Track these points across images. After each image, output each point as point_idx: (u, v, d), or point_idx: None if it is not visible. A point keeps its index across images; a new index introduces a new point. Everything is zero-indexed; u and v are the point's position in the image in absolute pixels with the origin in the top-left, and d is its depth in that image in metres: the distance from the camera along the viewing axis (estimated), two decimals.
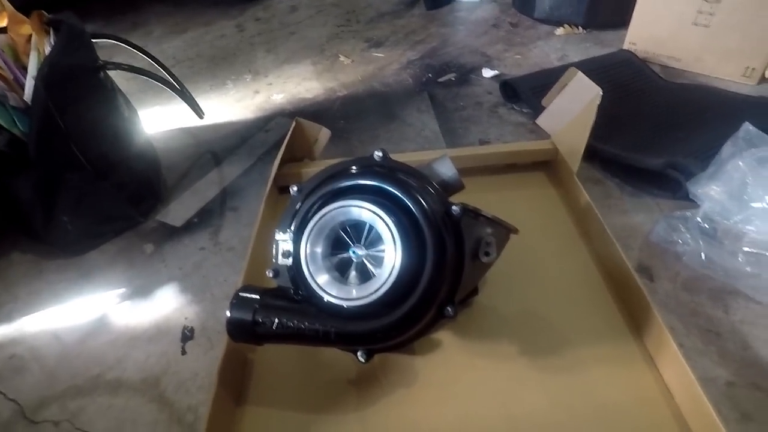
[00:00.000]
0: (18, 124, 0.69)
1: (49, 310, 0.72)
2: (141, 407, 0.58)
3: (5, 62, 0.71)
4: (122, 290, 0.73)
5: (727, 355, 0.55)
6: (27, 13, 0.74)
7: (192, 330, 0.66)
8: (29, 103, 0.68)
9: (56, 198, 0.75)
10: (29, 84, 0.68)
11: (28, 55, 0.72)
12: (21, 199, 0.74)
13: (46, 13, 0.74)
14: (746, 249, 0.57)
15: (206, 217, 0.84)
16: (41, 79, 0.66)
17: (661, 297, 0.61)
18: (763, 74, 0.96)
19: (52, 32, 0.73)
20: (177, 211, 0.86)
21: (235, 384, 0.56)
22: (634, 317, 0.57)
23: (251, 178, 0.92)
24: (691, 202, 0.69)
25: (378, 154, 0.48)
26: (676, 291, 0.62)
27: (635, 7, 1.07)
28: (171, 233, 0.82)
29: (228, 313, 0.46)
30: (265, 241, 0.72)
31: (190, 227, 0.83)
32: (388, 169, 0.48)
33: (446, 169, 0.50)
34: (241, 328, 0.45)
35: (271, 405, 0.55)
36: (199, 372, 0.61)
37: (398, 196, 0.45)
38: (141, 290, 0.73)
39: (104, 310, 0.71)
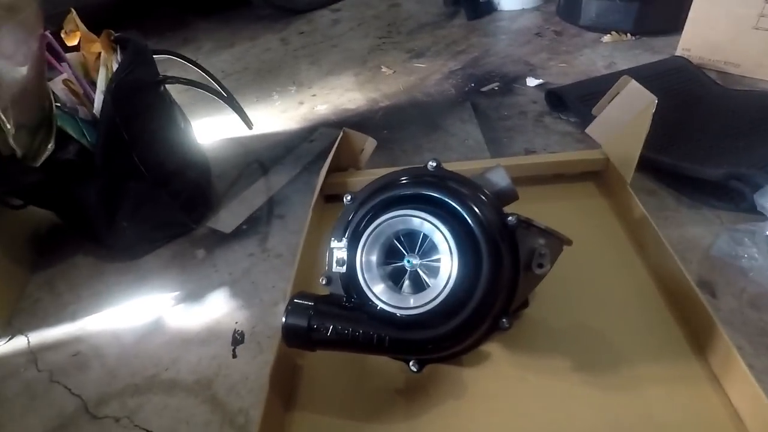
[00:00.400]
0: (86, 135, 0.74)
1: (108, 311, 0.76)
2: (194, 408, 0.60)
3: (77, 78, 0.76)
4: (176, 293, 0.76)
5: None
6: (95, 31, 0.79)
7: (242, 334, 0.68)
8: (97, 115, 0.73)
9: (117, 205, 0.79)
10: (98, 98, 0.73)
11: (97, 71, 0.77)
12: (86, 205, 0.78)
13: (113, 32, 0.79)
14: None
15: (254, 225, 0.87)
16: (109, 93, 0.71)
17: (725, 314, 0.58)
18: None
19: (119, 49, 0.77)
20: (227, 219, 0.89)
21: (285, 389, 0.57)
22: (696, 334, 0.54)
23: (297, 187, 0.94)
24: (755, 215, 0.66)
25: (432, 164, 0.49)
26: (742, 308, 0.58)
27: (689, 11, 1.03)
28: (221, 239, 0.85)
29: (284, 319, 0.47)
30: (312, 249, 0.74)
31: (239, 234, 0.86)
32: (442, 179, 0.48)
33: (500, 179, 0.50)
34: (296, 334, 0.46)
35: (320, 411, 0.55)
36: (249, 375, 0.62)
37: (453, 206, 0.45)
38: (193, 294, 0.76)
39: (159, 312, 0.74)
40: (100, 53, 0.77)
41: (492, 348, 0.58)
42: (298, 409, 0.55)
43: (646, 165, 0.76)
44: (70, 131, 0.72)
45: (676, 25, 1.09)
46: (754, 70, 0.99)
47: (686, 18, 1.04)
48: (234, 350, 0.66)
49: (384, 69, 1.34)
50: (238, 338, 0.67)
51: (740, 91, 0.95)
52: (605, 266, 0.66)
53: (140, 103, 0.77)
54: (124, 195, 0.79)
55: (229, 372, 0.63)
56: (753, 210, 0.65)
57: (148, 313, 0.74)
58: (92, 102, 0.75)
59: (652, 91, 0.69)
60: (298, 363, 0.60)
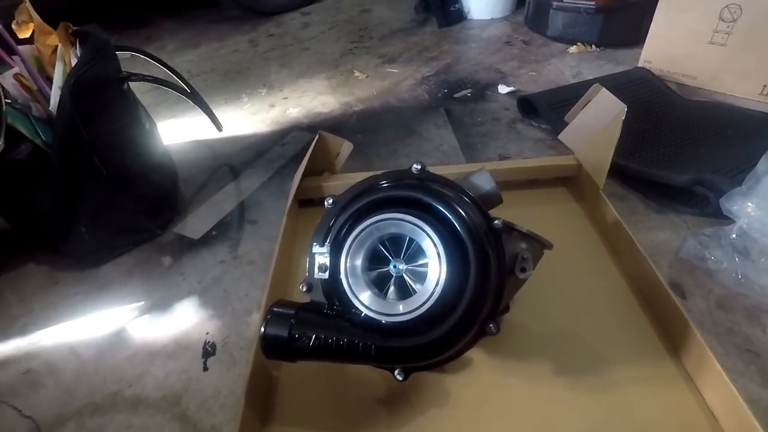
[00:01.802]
0: (41, 134, 0.69)
1: (64, 324, 0.70)
2: (162, 426, 0.56)
3: (30, 72, 0.71)
4: (140, 304, 0.72)
5: None
6: (52, 24, 0.74)
7: (213, 345, 0.64)
8: (53, 113, 0.68)
9: (75, 209, 0.74)
10: (55, 94, 0.68)
11: (53, 66, 0.72)
12: (40, 210, 0.73)
13: (72, 25, 0.74)
14: None
15: (225, 230, 0.83)
16: (68, 89, 0.66)
17: (696, 315, 0.60)
18: None
19: (78, 44, 0.73)
20: (195, 224, 0.85)
21: (261, 402, 0.54)
22: (671, 336, 0.56)
23: (269, 191, 0.91)
24: (719, 219, 0.69)
25: (416, 166, 0.48)
26: (710, 309, 0.60)
27: (650, 26, 1.08)
28: (189, 246, 0.81)
29: (263, 329, 0.44)
30: (287, 255, 0.71)
31: (208, 240, 0.82)
32: (427, 182, 0.47)
33: (485, 183, 0.49)
34: (276, 345, 0.44)
35: (299, 424, 0.53)
36: (221, 389, 0.59)
37: (439, 209, 0.44)
38: (159, 304, 0.71)
39: (121, 324, 0.69)
40: (56, 47, 0.72)
41: (474, 354, 0.57)
42: (275, 423, 0.53)
43: (615, 171, 0.78)
44: (22, 130, 0.66)
45: (637, 38, 1.14)
46: (709, 82, 1.05)
47: (647, 32, 1.09)
48: (205, 363, 0.62)
49: (357, 73, 1.33)
50: (209, 350, 0.64)
51: (698, 102, 1.00)
52: (581, 270, 0.67)
53: (101, 101, 0.72)
54: (83, 199, 0.73)
55: (199, 386, 0.59)
56: (717, 214, 0.68)
57: (109, 325, 0.69)
58: (47, 99, 0.70)
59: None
60: (275, 374, 0.57)
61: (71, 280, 0.77)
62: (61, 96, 0.66)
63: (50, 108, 0.68)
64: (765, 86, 0.97)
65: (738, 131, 0.87)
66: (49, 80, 0.71)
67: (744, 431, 0.45)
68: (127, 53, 0.90)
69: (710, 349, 0.49)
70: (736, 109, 0.96)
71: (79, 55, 0.71)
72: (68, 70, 0.69)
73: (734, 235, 0.61)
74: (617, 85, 1.01)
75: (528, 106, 1.02)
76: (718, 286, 0.63)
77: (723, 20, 0.97)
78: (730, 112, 0.95)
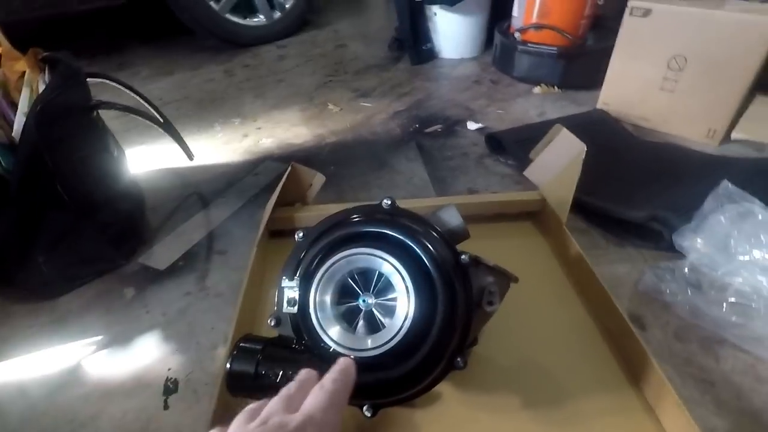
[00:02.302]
0: (1, 160, 0.67)
1: (14, 360, 0.66)
2: None
3: None
4: (99, 338, 0.69)
5: (723, 405, 0.55)
6: (22, 49, 0.73)
7: (176, 382, 0.62)
8: (16, 139, 0.66)
9: (34, 238, 0.71)
10: (19, 120, 0.66)
11: (19, 92, 0.70)
12: None
13: (42, 51, 0.73)
14: (732, 299, 0.60)
15: (192, 261, 0.82)
16: (33, 116, 0.65)
17: (655, 346, 0.62)
18: (725, 136, 1.04)
19: (47, 70, 0.72)
20: (161, 254, 0.83)
21: None
22: (632, 367, 0.58)
23: (240, 221, 0.91)
24: (674, 253, 0.72)
25: (386, 201, 0.49)
26: (668, 340, 0.63)
27: (607, 71, 1.16)
28: (154, 277, 0.79)
29: (228, 365, 0.43)
30: (256, 287, 0.70)
31: (174, 271, 0.80)
32: (396, 217, 0.48)
33: (452, 218, 0.51)
34: (242, 381, 0.43)
35: None
36: (182, 429, 0.56)
37: (408, 244, 0.45)
38: (119, 338, 0.68)
39: (77, 359, 0.66)
40: (24, 72, 0.71)
41: (443, 387, 0.57)
42: None
43: (577, 206, 0.82)
44: None
45: (596, 82, 1.22)
46: (661, 124, 1.12)
47: (604, 76, 1.17)
48: (166, 401, 0.59)
49: (331, 106, 1.35)
50: (170, 387, 0.61)
51: (651, 143, 1.07)
52: (546, 303, 0.68)
53: (67, 129, 0.71)
54: (43, 227, 0.71)
55: (159, 426, 0.57)
56: (671, 248, 0.72)
57: (63, 361, 0.65)
58: (11, 124, 0.68)
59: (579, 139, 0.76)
60: (239, 411, 0.55)
61: (25, 312, 0.73)
62: (25, 123, 0.65)
63: (13, 134, 0.66)
64: (710, 129, 1.04)
65: (687, 170, 0.93)
66: (14, 106, 0.70)
67: None
68: (98, 80, 0.90)
69: (669, 380, 0.51)
70: (686, 149, 1.03)
71: (47, 81, 0.70)
72: (35, 97, 0.68)
73: (686, 269, 0.64)
74: (578, 124, 1.06)
75: (495, 142, 1.06)
76: (675, 317, 0.65)
77: (671, 69, 1.05)
78: (681, 153, 1.01)
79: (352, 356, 0.42)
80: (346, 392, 0.38)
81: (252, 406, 0.37)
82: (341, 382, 0.37)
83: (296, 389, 0.37)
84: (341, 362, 0.40)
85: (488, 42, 1.65)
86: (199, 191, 1.00)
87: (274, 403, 0.35)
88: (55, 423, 0.58)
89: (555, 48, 1.31)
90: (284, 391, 0.37)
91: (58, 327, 0.71)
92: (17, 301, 0.75)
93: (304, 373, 0.40)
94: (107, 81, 0.90)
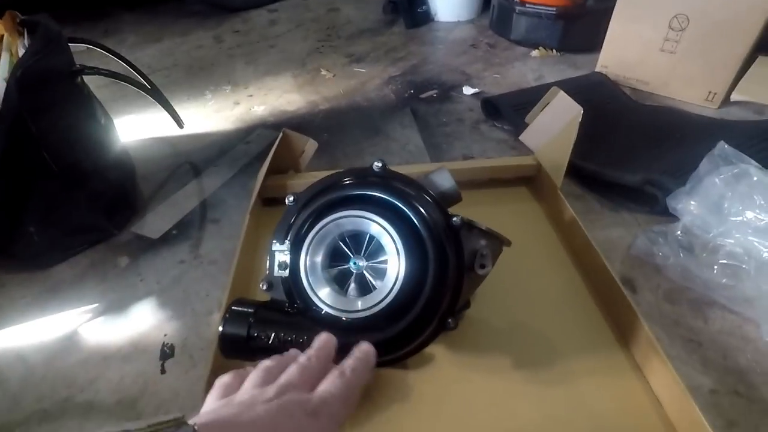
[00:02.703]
0: None
1: (11, 329, 0.67)
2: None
3: None
4: (94, 306, 0.69)
5: (709, 364, 0.56)
6: None
7: (172, 347, 0.62)
8: None
9: (23, 208, 0.70)
10: (0, 87, 0.64)
11: None
12: None
13: (20, 14, 0.71)
14: (722, 261, 0.60)
15: (185, 230, 0.81)
16: (14, 82, 0.63)
17: (645, 308, 0.63)
18: (725, 99, 1.02)
19: (26, 34, 0.69)
20: (154, 223, 0.83)
21: None
22: (622, 328, 0.59)
23: (232, 190, 0.90)
24: (668, 217, 0.72)
25: (377, 164, 0.48)
26: (658, 302, 0.64)
27: (607, 33, 1.12)
28: (147, 246, 0.78)
29: (221, 328, 0.44)
30: (249, 254, 0.70)
31: (168, 240, 0.79)
32: (387, 179, 0.48)
33: (444, 181, 0.50)
34: (234, 344, 0.43)
35: None
36: (180, 392, 0.57)
37: (399, 206, 0.44)
38: (115, 306, 0.69)
39: (74, 327, 0.66)
40: (2, 36, 0.68)
41: (435, 349, 0.58)
42: None
43: (572, 171, 0.81)
44: None
45: (595, 44, 1.19)
46: (660, 87, 1.10)
47: (604, 38, 1.14)
48: (162, 365, 0.60)
49: (323, 72, 1.32)
50: (167, 352, 0.62)
51: (650, 106, 1.05)
52: (539, 266, 0.69)
53: (52, 95, 0.69)
54: (32, 197, 0.70)
55: (156, 389, 0.58)
56: (665, 212, 0.72)
57: (59, 329, 0.66)
58: None
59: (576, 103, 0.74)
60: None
61: (19, 282, 0.74)
62: (6, 88, 0.63)
63: None
64: (710, 92, 1.03)
65: (685, 134, 0.92)
66: None
67: (686, 415, 0.47)
68: (83, 46, 0.87)
69: (657, 340, 0.52)
70: (685, 113, 1.01)
71: (27, 46, 0.68)
72: (15, 62, 0.66)
73: (679, 232, 0.64)
74: (575, 88, 1.04)
75: (491, 107, 1.04)
76: (666, 280, 0.66)
77: (672, 29, 1.02)
78: (679, 116, 1.00)
79: (343, 318, 0.43)
80: (362, 384, 0.37)
81: (268, 363, 0.36)
82: (360, 372, 0.37)
83: (316, 360, 0.37)
84: (364, 349, 0.39)
85: (485, 4, 1.60)
86: (190, 160, 0.99)
87: (293, 372, 0.35)
88: (54, 387, 0.59)
89: (554, 8, 1.26)
90: (303, 360, 0.36)
91: (53, 296, 0.71)
92: (10, 271, 0.75)
93: (323, 341, 0.39)
94: (91, 47, 0.88)
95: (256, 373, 0.35)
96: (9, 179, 0.68)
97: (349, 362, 0.37)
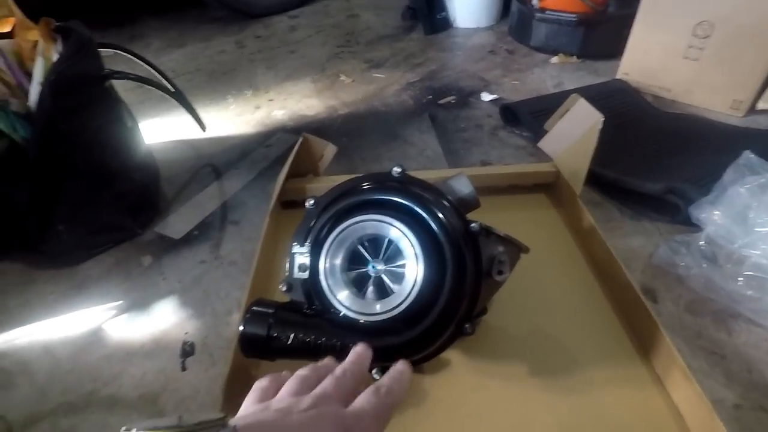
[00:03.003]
0: (19, 130, 0.68)
1: (39, 323, 0.69)
2: None
3: (9, 67, 0.70)
4: (118, 303, 0.71)
5: (733, 378, 0.55)
6: (34, 19, 0.73)
7: (192, 345, 0.64)
8: (32, 109, 0.67)
9: (53, 206, 0.73)
10: (34, 90, 0.67)
11: (33, 61, 0.71)
12: (16, 206, 0.71)
13: (54, 21, 0.73)
14: (748, 273, 0.59)
15: (206, 231, 0.83)
16: (48, 85, 0.65)
17: (666, 319, 0.62)
18: (750, 107, 1.00)
19: (60, 40, 0.72)
20: (176, 224, 0.85)
21: (239, 402, 0.53)
22: (642, 338, 0.58)
23: (252, 193, 0.91)
24: (689, 226, 0.71)
25: (396, 170, 0.49)
26: (679, 313, 0.63)
27: (629, 39, 1.11)
28: (170, 246, 0.80)
29: (241, 328, 0.45)
30: (268, 256, 0.71)
31: (189, 240, 0.81)
32: (406, 185, 0.48)
33: (463, 186, 0.50)
34: (254, 343, 0.44)
35: None
36: (200, 389, 0.58)
37: (418, 211, 0.45)
38: (138, 303, 0.71)
39: (99, 323, 0.68)
40: (37, 42, 0.71)
41: (452, 355, 0.58)
42: None
43: (592, 178, 0.80)
44: (0, 125, 0.65)
45: (616, 51, 1.18)
46: (683, 95, 1.08)
47: (625, 45, 1.13)
48: (183, 363, 0.62)
49: (343, 77, 1.33)
50: (187, 350, 0.63)
51: (672, 114, 1.03)
52: (557, 274, 0.68)
53: (82, 98, 0.72)
54: (62, 196, 0.72)
55: (177, 386, 0.59)
56: (687, 222, 0.70)
57: (85, 324, 0.68)
58: (26, 94, 0.69)
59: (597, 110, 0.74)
60: (254, 374, 0.57)
61: (48, 278, 0.76)
62: (40, 92, 0.66)
63: (29, 104, 0.67)
64: (734, 100, 1.01)
65: (708, 143, 0.90)
66: (29, 76, 0.70)
67: (708, 430, 0.46)
68: (111, 51, 0.90)
69: (678, 352, 0.51)
70: (708, 121, 0.99)
71: (60, 51, 0.71)
72: (49, 66, 0.68)
73: (702, 242, 0.63)
74: (596, 95, 1.03)
75: (510, 113, 1.04)
76: (688, 291, 0.65)
77: (696, 36, 1.00)
78: (702, 125, 0.98)
79: (360, 320, 0.43)
80: (396, 404, 0.37)
81: (305, 373, 0.37)
82: (396, 395, 0.36)
83: (350, 375, 0.37)
84: (400, 369, 0.38)
85: (505, 10, 1.60)
86: (212, 162, 1.01)
87: (329, 384, 0.35)
88: (80, 381, 0.60)
89: (575, 15, 1.26)
90: (339, 372, 0.36)
91: (79, 292, 0.73)
92: (39, 267, 0.77)
93: (359, 354, 0.38)
94: (119, 52, 0.90)
95: (292, 381, 0.36)
96: (41, 178, 0.70)
97: (385, 381, 0.37)
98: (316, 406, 0.32)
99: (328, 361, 0.39)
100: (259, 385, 0.36)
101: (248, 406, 0.34)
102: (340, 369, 0.37)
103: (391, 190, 0.47)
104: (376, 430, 0.33)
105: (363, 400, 0.34)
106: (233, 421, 0.28)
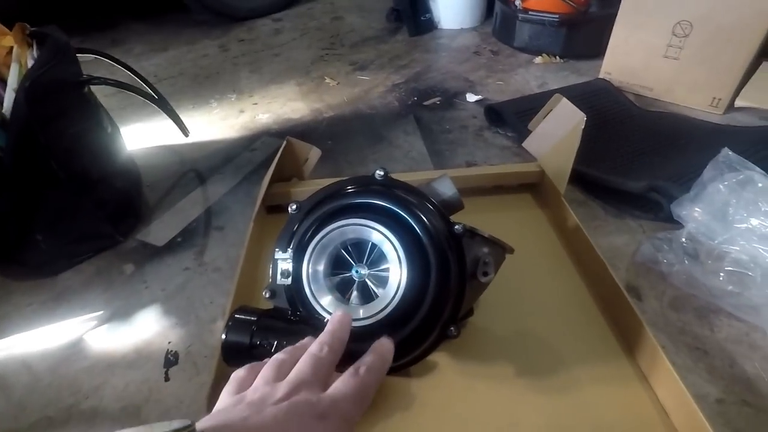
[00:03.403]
0: None
1: (17, 336, 0.67)
2: None
3: None
4: (99, 313, 0.69)
5: (716, 372, 0.56)
6: (8, 25, 0.72)
7: (176, 355, 0.63)
8: (7, 117, 0.66)
9: (32, 216, 0.71)
10: (9, 97, 0.66)
11: (7, 68, 0.69)
12: None
13: (29, 26, 0.72)
14: (728, 268, 0.60)
15: (190, 237, 0.82)
16: (23, 92, 0.64)
17: (650, 316, 0.63)
18: (729, 104, 1.02)
19: (35, 45, 0.71)
20: (159, 231, 0.83)
21: None
22: (626, 336, 0.58)
23: (237, 198, 0.90)
24: (672, 224, 0.72)
25: (379, 173, 0.48)
26: (663, 310, 0.63)
27: (610, 39, 1.13)
28: (152, 253, 0.79)
29: (224, 336, 0.44)
30: (253, 262, 0.70)
31: (172, 247, 0.80)
32: (389, 188, 0.48)
33: (446, 188, 0.50)
34: (237, 352, 0.44)
35: None
36: (183, 399, 0.57)
37: (401, 214, 0.44)
38: (120, 313, 0.69)
39: (79, 334, 0.67)
40: (11, 48, 0.69)
41: (439, 357, 0.58)
42: None
43: (576, 177, 0.81)
44: None
45: (598, 51, 1.19)
46: (664, 94, 1.10)
47: (607, 45, 1.14)
48: (167, 372, 0.60)
49: (328, 80, 1.33)
50: (171, 359, 0.62)
51: (654, 112, 1.05)
52: (543, 274, 0.69)
53: (59, 105, 0.70)
54: (40, 205, 0.71)
55: (161, 396, 0.58)
56: (670, 219, 0.71)
57: (65, 336, 0.66)
58: (1, 102, 0.67)
59: (580, 110, 0.74)
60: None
61: (26, 289, 0.74)
62: (15, 98, 0.64)
63: (3, 111, 0.65)
64: (714, 98, 1.02)
65: (689, 140, 0.91)
66: (3, 82, 0.69)
67: (692, 425, 0.47)
68: (90, 56, 0.88)
69: (662, 348, 0.51)
70: (688, 119, 1.01)
71: (36, 56, 0.69)
72: (24, 72, 0.67)
73: (684, 239, 0.64)
74: (579, 95, 1.05)
75: (495, 114, 1.05)
76: (671, 287, 0.65)
77: (675, 35, 1.02)
78: (683, 123, 1.00)
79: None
80: (377, 385, 0.35)
81: (281, 357, 0.35)
82: (376, 372, 0.35)
83: (328, 350, 0.35)
84: (382, 345, 0.37)
85: (488, 11, 1.61)
86: (195, 168, 1.00)
87: (305, 366, 0.34)
88: (60, 394, 0.59)
89: (557, 15, 1.27)
90: (315, 349, 0.35)
91: (59, 303, 0.72)
92: (17, 278, 0.76)
93: (337, 322, 0.37)
94: (99, 57, 0.89)
95: (268, 367, 0.35)
96: (18, 187, 0.68)
97: (366, 359, 0.36)
98: (289, 396, 0.31)
99: (306, 340, 0.39)
100: (236, 375, 0.36)
101: (224, 399, 0.34)
102: (316, 345, 0.36)
103: (374, 193, 0.47)
104: (355, 412, 0.32)
105: (341, 381, 0.34)
106: (200, 424, 0.28)
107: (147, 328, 0.67)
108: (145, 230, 0.84)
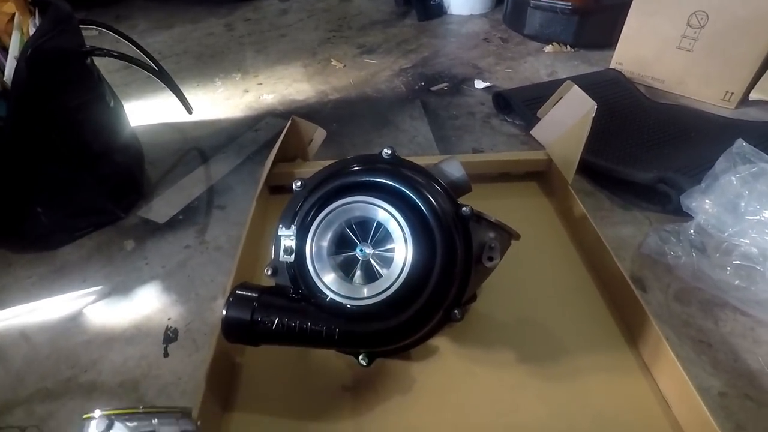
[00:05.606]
0: None
1: (16, 308, 0.67)
2: None
3: None
4: (99, 288, 0.69)
5: (719, 366, 0.55)
6: None
7: (175, 331, 0.62)
8: (8, 85, 0.64)
9: (32, 188, 0.70)
10: (10, 65, 0.64)
11: (9, 36, 0.68)
12: None
13: None
14: (736, 262, 0.59)
15: (192, 215, 0.81)
16: (24, 60, 0.62)
17: (654, 307, 0.62)
18: (742, 99, 1.00)
19: (37, 13, 0.69)
20: (161, 208, 0.83)
21: (223, 388, 0.53)
22: (630, 327, 0.58)
23: (240, 177, 0.89)
24: (679, 216, 0.71)
25: (387, 151, 0.47)
26: (668, 302, 0.62)
27: (623, 29, 1.10)
28: (154, 230, 0.78)
29: (224, 312, 0.43)
30: (255, 241, 0.70)
31: (174, 225, 0.79)
32: (397, 167, 0.47)
33: (454, 170, 0.49)
34: (238, 328, 0.43)
35: (261, 411, 0.52)
36: (182, 375, 0.57)
37: (408, 194, 0.43)
38: (120, 288, 0.69)
39: (78, 308, 0.66)
40: (13, 15, 0.68)
41: (440, 342, 0.57)
42: (237, 410, 0.52)
43: (584, 167, 0.80)
44: None
45: (610, 41, 1.17)
46: (676, 86, 1.08)
47: (620, 34, 1.12)
48: (166, 348, 0.60)
49: (334, 62, 1.31)
50: (170, 335, 0.62)
51: (664, 104, 1.03)
52: (547, 262, 0.68)
53: (62, 75, 0.69)
54: (40, 177, 0.70)
55: (159, 372, 0.58)
56: (678, 211, 0.70)
57: (64, 309, 0.66)
58: (2, 70, 0.66)
59: None
60: (238, 361, 0.56)
61: (26, 262, 0.74)
62: (17, 66, 0.63)
63: (5, 79, 0.64)
64: (727, 92, 1.00)
65: (700, 134, 0.90)
66: (5, 50, 0.68)
67: (694, 417, 0.46)
68: (95, 30, 0.87)
69: (666, 340, 0.51)
70: (700, 112, 0.99)
71: (38, 25, 0.68)
72: (26, 40, 0.66)
73: (692, 231, 0.63)
74: (589, 84, 1.02)
75: (503, 101, 1.03)
76: (677, 280, 0.65)
77: (690, 26, 1.00)
78: (695, 116, 0.98)
79: (348, 305, 0.42)
80: None
81: None
82: None
83: None
84: None
85: None
86: (199, 146, 0.99)
87: None
88: (58, 367, 0.59)
89: (570, 3, 1.24)
90: None
91: (59, 277, 0.71)
92: (17, 251, 0.75)
93: None
94: (103, 30, 0.87)
95: None
96: (18, 158, 0.67)
97: None
98: None
99: None
100: None
101: None
102: None
103: (380, 171, 0.46)
104: None
105: None
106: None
107: (147, 304, 0.66)
108: (147, 207, 0.83)
